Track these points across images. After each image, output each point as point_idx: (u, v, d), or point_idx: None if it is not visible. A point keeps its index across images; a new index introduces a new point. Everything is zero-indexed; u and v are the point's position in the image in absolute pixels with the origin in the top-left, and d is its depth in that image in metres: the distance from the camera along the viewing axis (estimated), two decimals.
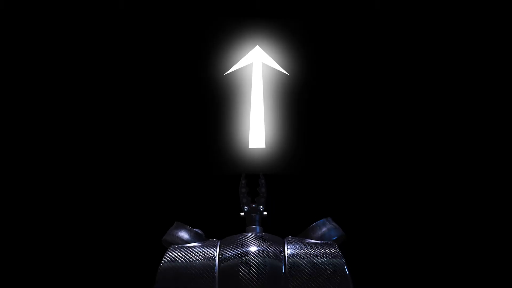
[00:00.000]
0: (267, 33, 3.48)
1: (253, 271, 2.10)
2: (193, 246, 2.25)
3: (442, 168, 3.36)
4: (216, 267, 2.13)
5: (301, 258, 2.16)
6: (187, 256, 2.18)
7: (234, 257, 2.15)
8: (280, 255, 2.16)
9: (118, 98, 3.39)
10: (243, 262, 2.11)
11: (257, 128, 3.44)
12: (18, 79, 3.33)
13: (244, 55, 3.49)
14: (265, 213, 2.49)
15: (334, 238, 2.37)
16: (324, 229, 2.41)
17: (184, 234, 2.40)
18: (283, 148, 3.41)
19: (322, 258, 2.16)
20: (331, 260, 2.15)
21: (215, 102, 3.45)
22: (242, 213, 2.49)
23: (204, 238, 2.44)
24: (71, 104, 3.37)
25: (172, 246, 2.29)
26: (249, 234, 2.29)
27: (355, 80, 3.43)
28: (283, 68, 3.47)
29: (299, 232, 2.43)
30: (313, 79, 3.45)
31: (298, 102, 3.44)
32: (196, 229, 2.46)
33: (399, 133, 3.37)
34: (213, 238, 2.39)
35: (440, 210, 3.35)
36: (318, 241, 2.33)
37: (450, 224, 3.34)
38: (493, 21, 3.33)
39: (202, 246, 2.24)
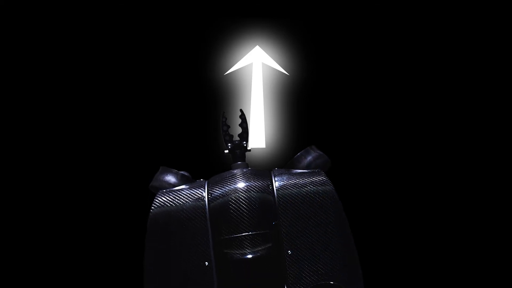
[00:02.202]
0: (267, 33, 3.50)
1: (243, 207, 2.08)
2: (181, 189, 2.21)
3: (442, 171, 3.35)
4: (206, 207, 2.11)
5: (290, 189, 2.13)
6: (176, 200, 2.15)
7: (223, 195, 2.12)
8: (268, 188, 2.14)
9: (120, 97, 3.40)
10: (233, 199, 2.10)
11: (257, 128, 3.45)
12: (16, 73, 3.36)
13: (244, 55, 3.50)
14: (249, 148, 2.41)
15: (320, 166, 2.33)
16: (309, 158, 2.36)
17: (171, 178, 2.34)
18: (283, 148, 3.41)
19: (310, 187, 2.13)
20: (320, 188, 2.12)
21: (215, 102, 3.45)
22: (226, 151, 2.40)
23: (191, 180, 2.38)
24: (74, 104, 3.37)
25: (160, 191, 2.24)
26: (235, 171, 2.23)
27: (354, 80, 3.43)
28: (283, 68, 3.48)
29: (285, 164, 2.41)
30: (312, 79, 3.45)
31: (298, 102, 3.44)
32: (182, 172, 2.41)
33: (397, 131, 3.35)
34: (200, 179, 2.35)
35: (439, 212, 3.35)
36: (304, 170, 2.27)
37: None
38: (492, 20, 3.33)
39: (190, 188, 2.20)
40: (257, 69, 3.49)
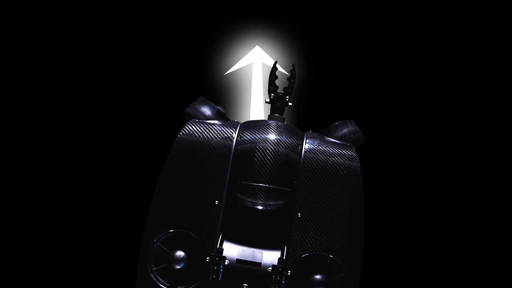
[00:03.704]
0: (267, 33, 3.50)
1: (268, 158, 2.08)
2: (214, 124, 2.22)
3: (444, 171, 3.34)
4: (232, 148, 2.11)
5: (317, 154, 2.13)
6: (205, 132, 2.15)
7: (251, 141, 2.12)
8: (297, 148, 2.14)
9: (120, 97, 3.39)
10: (260, 148, 2.10)
11: None
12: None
13: (244, 55, 3.50)
14: (290, 103, 2.43)
15: (353, 141, 2.34)
16: (345, 130, 2.39)
17: (206, 110, 2.37)
18: None
19: (337, 158, 2.13)
20: (346, 162, 2.13)
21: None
22: (267, 100, 2.44)
23: (226, 118, 2.41)
24: (74, 104, 3.37)
25: (193, 119, 2.25)
26: (270, 122, 2.24)
27: (354, 80, 3.43)
28: (283, 68, 3.47)
29: (321, 129, 2.42)
30: (312, 79, 3.45)
31: (298, 102, 3.42)
32: (219, 107, 2.43)
33: (398, 130, 3.34)
34: (234, 119, 2.37)
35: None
36: (337, 141, 2.29)
37: None
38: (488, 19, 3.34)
39: (222, 125, 2.20)
40: (257, 69, 3.50)
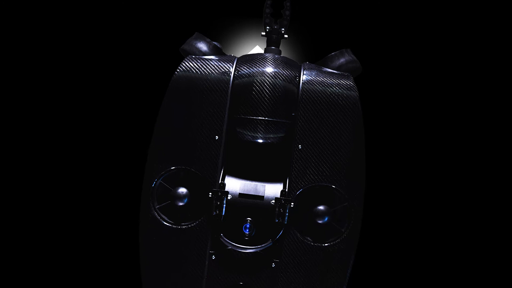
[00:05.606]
0: None
1: (266, 91, 2.09)
2: (210, 59, 2.22)
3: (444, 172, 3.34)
4: (230, 83, 2.12)
5: (315, 85, 2.13)
6: (202, 68, 2.15)
7: (249, 75, 2.12)
8: (295, 80, 2.14)
9: (119, 97, 3.43)
10: (258, 81, 2.09)
11: None
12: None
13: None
14: (286, 36, 2.41)
15: (350, 70, 2.35)
16: (342, 60, 2.39)
17: (202, 46, 2.35)
18: None
19: (336, 88, 2.14)
20: (344, 92, 2.14)
21: None
22: (263, 33, 2.42)
23: (222, 53, 2.41)
24: (74, 103, 3.41)
25: (189, 56, 2.25)
26: (267, 55, 2.24)
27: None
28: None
29: (318, 60, 2.41)
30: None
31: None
32: (215, 43, 2.43)
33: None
34: (231, 54, 2.37)
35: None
36: (334, 71, 2.28)
37: None
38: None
39: (219, 60, 2.20)
40: None
